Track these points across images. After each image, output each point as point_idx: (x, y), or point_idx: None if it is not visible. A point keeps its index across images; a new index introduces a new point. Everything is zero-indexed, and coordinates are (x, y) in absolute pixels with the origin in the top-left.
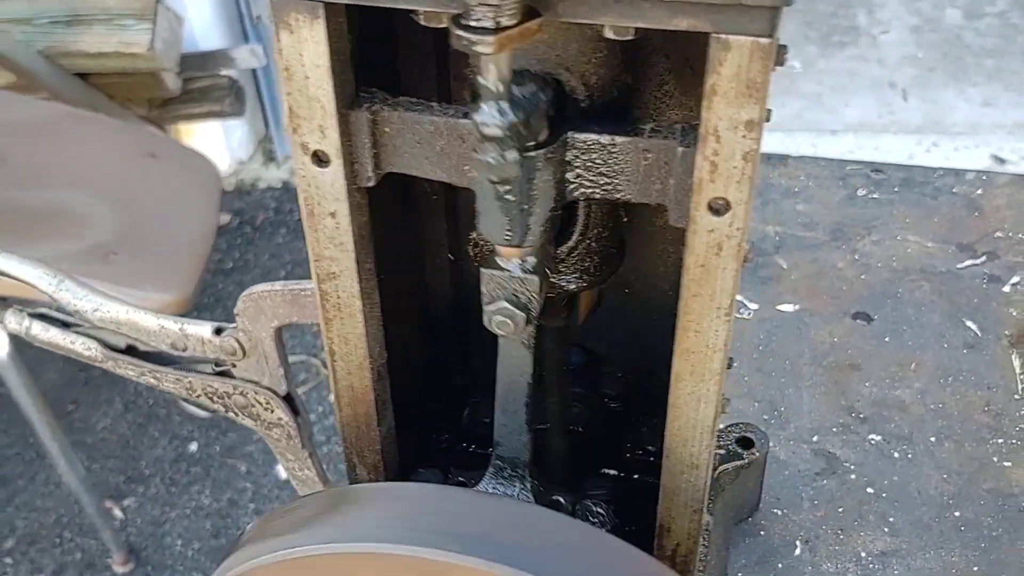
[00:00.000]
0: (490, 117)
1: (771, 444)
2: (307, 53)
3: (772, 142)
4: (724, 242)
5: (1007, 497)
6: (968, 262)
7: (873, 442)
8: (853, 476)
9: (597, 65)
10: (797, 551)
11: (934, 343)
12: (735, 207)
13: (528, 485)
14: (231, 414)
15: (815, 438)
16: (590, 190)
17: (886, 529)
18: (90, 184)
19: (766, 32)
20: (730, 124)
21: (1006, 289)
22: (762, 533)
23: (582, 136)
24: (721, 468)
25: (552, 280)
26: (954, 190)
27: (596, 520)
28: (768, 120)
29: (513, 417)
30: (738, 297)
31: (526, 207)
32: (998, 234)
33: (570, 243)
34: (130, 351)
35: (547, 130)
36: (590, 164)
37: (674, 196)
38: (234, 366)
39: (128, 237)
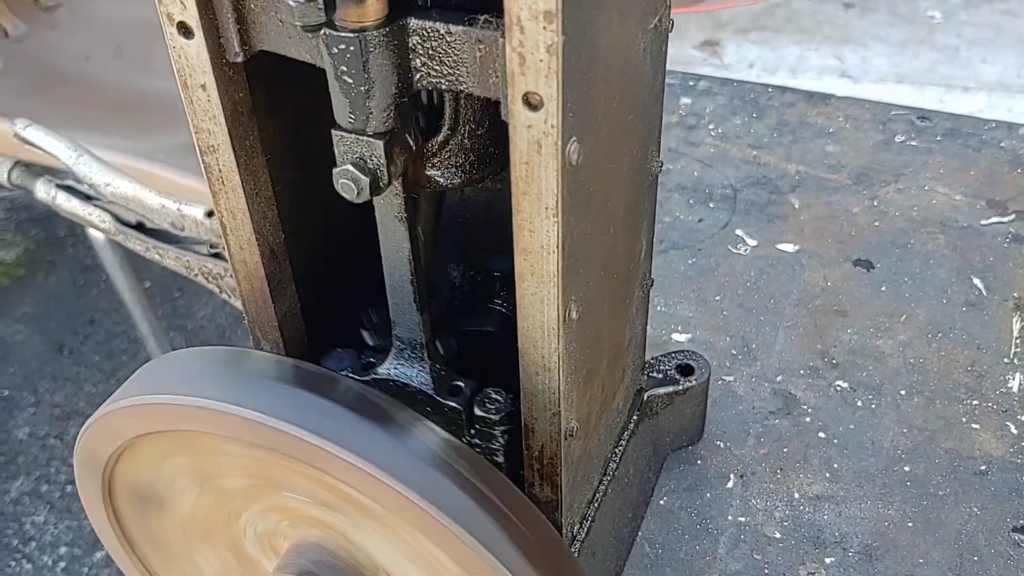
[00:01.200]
0: None
1: (731, 379)
2: None
3: (899, 94)
4: (542, 139)
5: (965, 459)
6: (994, 219)
7: (838, 388)
8: (808, 419)
9: None
10: (729, 484)
11: (932, 297)
12: (547, 103)
13: (428, 367)
14: (223, 295)
15: (779, 378)
16: (436, 80)
17: (827, 474)
18: None
19: None
20: (531, 14)
21: None
22: (698, 463)
23: (421, 23)
24: (651, 392)
25: (427, 174)
26: (1001, 144)
27: (492, 406)
28: (670, 30)
29: (402, 295)
30: (738, 232)
31: (364, 89)
32: None
33: (439, 137)
34: (139, 228)
35: (385, 8)
36: (432, 53)
37: (503, 90)
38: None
39: None
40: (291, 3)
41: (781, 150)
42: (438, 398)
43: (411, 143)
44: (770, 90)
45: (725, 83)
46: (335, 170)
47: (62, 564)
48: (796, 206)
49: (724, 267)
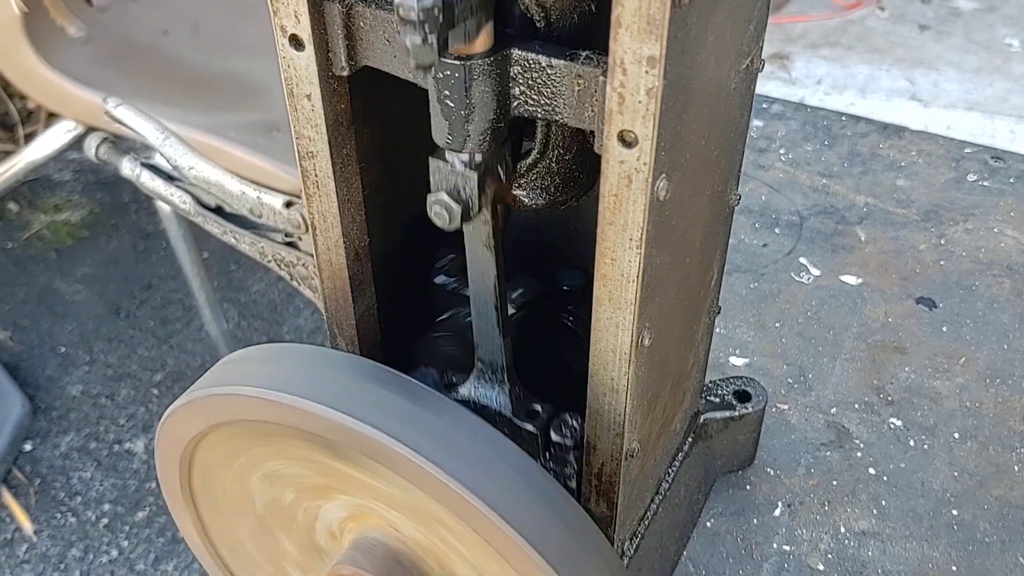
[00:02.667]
0: (406, 0)
1: (785, 407)
2: None
3: (967, 122)
4: (633, 175)
5: (1014, 508)
6: None
7: (892, 426)
8: (859, 454)
9: None
10: (777, 511)
11: (993, 342)
12: (642, 142)
13: (507, 390)
14: (295, 283)
15: (833, 410)
16: (533, 108)
17: (875, 511)
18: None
19: None
20: (634, 58)
21: None
22: (747, 488)
23: (523, 54)
24: (707, 414)
25: (513, 194)
26: None
27: (567, 432)
28: (761, 70)
29: (485, 320)
30: (802, 260)
31: (464, 113)
32: None
33: (528, 160)
34: (218, 211)
35: (491, 41)
36: (532, 83)
37: (598, 124)
38: (300, 239)
39: None
40: (407, 44)
41: (851, 180)
42: (516, 421)
43: (502, 174)
44: (843, 118)
45: (799, 108)
46: (429, 197)
47: (104, 521)
48: (862, 238)
49: (786, 294)
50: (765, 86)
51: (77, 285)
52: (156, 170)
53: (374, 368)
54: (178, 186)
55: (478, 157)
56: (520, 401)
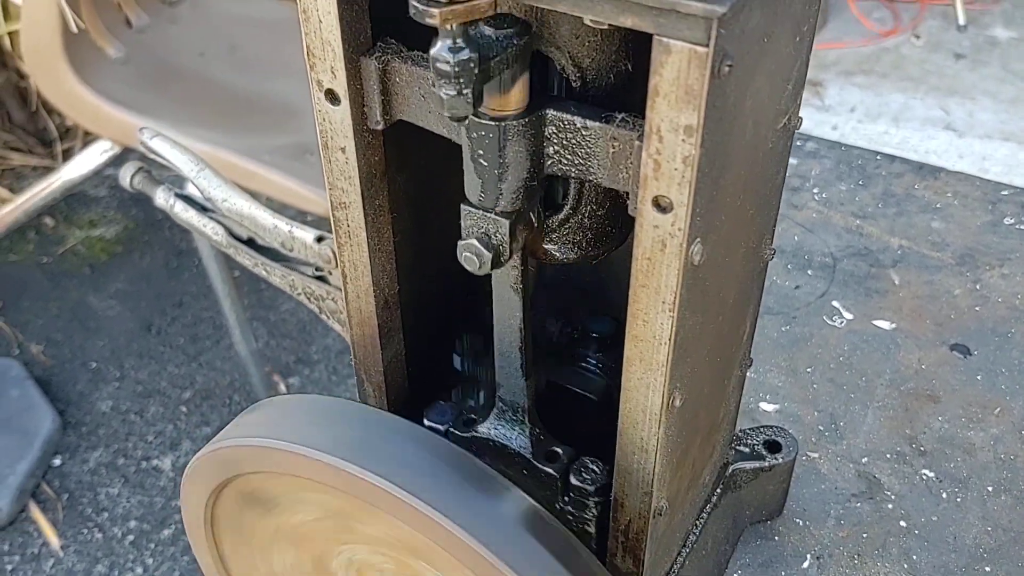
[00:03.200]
0: (442, 53)
1: (815, 456)
2: (320, 0)
3: (1002, 153)
4: (668, 239)
5: None
6: None
7: (924, 477)
8: (890, 506)
9: (590, 49)
10: (805, 564)
11: None
12: (677, 208)
13: (528, 431)
14: (323, 316)
15: (864, 460)
16: (567, 168)
17: (906, 565)
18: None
19: (703, 41)
20: (671, 126)
21: None
22: (776, 539)
23: (558, 114)
24: (736, 465)
25: (544, 247)
26: None
27: (588, 476)
28: (798, 127)
29: (510, 361)
30: (834, 303)
31: (498, 172)
32: None
33: (560, 216)
34: (250, 243)
35: (525, 99)
36: (567, 144)
37: (632, 186)
38: (330, 273)
39: None
40: (442, 96)
41: (885, 222)
42: (535, 462)
43: (534, 220)
44: (878, 157)
45: (833, 146)
46: (460, 243)
47: (130, 538)
48: (896, 282)
49: (818, 338)
50: (806, 132)
51: (110, 301)
52: (190, 201)
53: (393, 422)
54: (211, 217)
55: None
56: (540, 443)
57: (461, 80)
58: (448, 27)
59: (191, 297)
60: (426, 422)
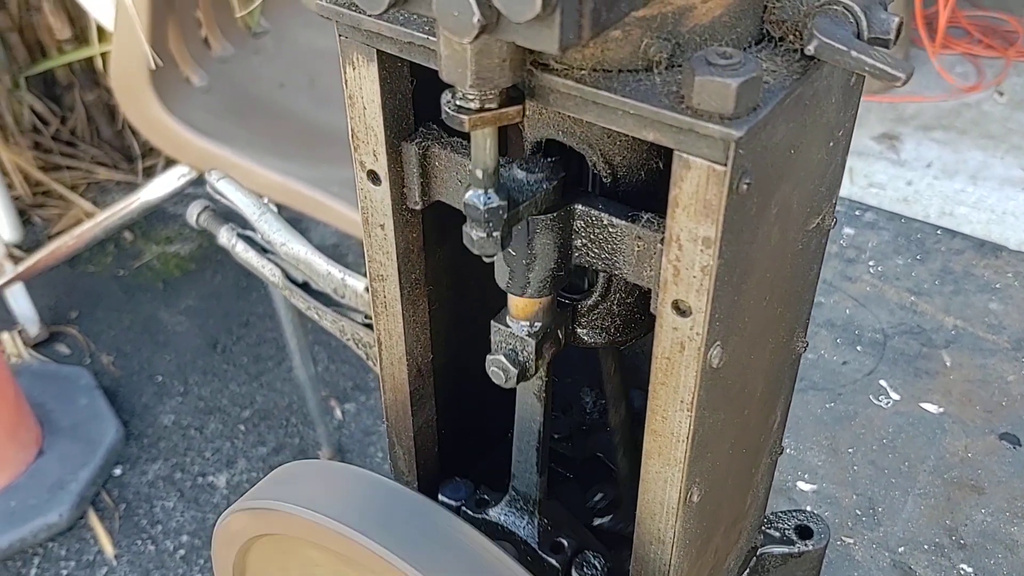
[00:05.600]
0: (473, 199)
1: (851, 541)
2: (365, 88)
3: None
4: (686, 342)
5: None
6: None
7: (962, 573)
8: None
9: (622, 147)
10: None
11: None
12: (696, 313)
13: (536, 522)
14: (370, 362)
15: (901, 549)
16: (593, 260)
17: None
18: None
19: (721, 160)
20: (690, 236)
21: None
22: None
23: (587, 209)
24: (765, 549)
25: (575, 331)
26: None
27: (589, 572)
28: (833, 226)
29: (526, 457)
30: (882, 382)
31: (526, 262)
32: None
33: (589, 302)
34: (304, 287)
35: (557, 197)
36: (594, 238)
37: (655, 284)
38: None
39: None
40: (472, 236)
41: (941, 300)
42: (540, 552)
43: (560, 338)
44: (938, 232)
45: (892, 218)
46: (489, 357)
47: (182, 552)
48: (947, 364)
49: (862, 417)
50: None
51: (180, 316)
52: (251, 241)
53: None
54: (269, 259)
55: (539, 324)
56: (547, 534)
57: (491, 224)
58: (478, 135)
59: (257, 318)
60: (440, 498)
